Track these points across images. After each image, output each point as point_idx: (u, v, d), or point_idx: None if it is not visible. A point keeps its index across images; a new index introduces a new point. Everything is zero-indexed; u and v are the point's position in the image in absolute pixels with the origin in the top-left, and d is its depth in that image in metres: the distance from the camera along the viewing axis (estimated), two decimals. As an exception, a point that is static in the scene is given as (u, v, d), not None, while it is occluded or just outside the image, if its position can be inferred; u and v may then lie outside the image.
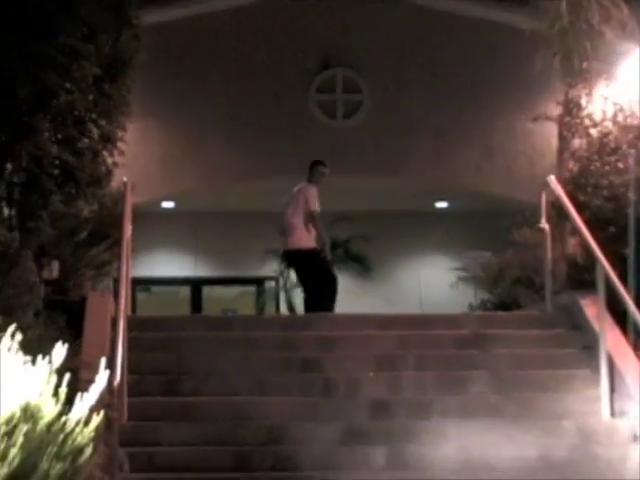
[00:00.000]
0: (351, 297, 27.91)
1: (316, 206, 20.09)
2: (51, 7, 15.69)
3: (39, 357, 8.99)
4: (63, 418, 8.80)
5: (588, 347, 16.08)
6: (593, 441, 14.43)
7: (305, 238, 19.86)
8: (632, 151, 18.93)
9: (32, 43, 15.62)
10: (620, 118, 19.97)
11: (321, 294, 19.53)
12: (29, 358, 8.95)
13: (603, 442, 14.42)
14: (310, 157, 24.68)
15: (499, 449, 13.99)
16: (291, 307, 30.06)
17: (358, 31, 24.97)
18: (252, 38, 24.92)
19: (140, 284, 23.29)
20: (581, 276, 17.88)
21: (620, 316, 15.84)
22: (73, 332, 13.97)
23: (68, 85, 16.29)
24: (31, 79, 15.76)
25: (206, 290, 30.55)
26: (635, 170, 18.62)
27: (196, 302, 30.35)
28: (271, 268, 30.10)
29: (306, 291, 20.60)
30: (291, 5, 24.96)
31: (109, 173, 17.48)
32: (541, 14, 19.95)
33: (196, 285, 30.39)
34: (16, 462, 7.88)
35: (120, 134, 17.61)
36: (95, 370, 9.78)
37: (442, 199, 28.08)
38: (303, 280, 20.91)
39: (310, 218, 19.74)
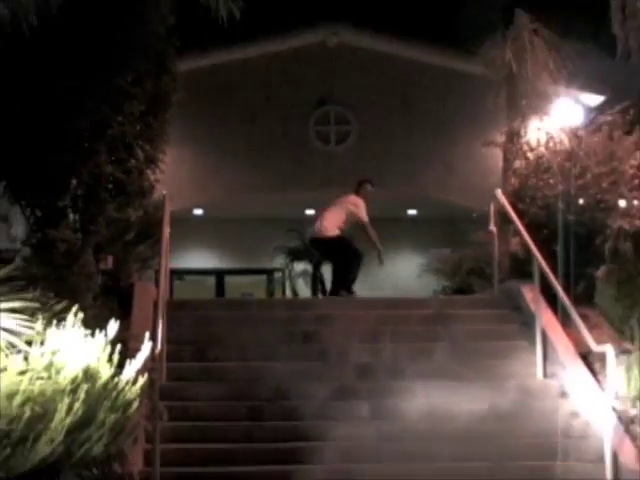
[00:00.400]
0: (342, 285, 28.33)
1: (366, 217, 19.81)
2: (108, 57, 15.78)
3: (97, 331, 9.19)
4: (116, 379, 9.06)
5: (526, 323, 16.26)
6: (530, 396, 14.54)
7: (333, 230, 19.67)
8: (559, 171, 19.19)
9: (92, 84, 15.73)
10: (551, 144, 20.15)
11: (348, 269, 19.11)
12: (89, 332, 9.12)
13: (538, 397, 14.59)
14: (310, 175, 24.95)
15: (457, 403, 13.93)
16: (294, 292, 29.91)
17: (346, 77, 24.89)
18: (264, 82, 24.83)
19: (176, 274, 23.27)
20: (521, 268, 17.86)
21: (551, 299, 15.90)
22: (123, 312, 13.95)
23: (120, 118, 16.42)
24: (91, 113, 15.94)
25: (227, 278, 30.20)
26: (562, 185, 18.89)
27: (220, 288, 29.95)
28: (278, 261, 30.09)
29: (335, 269, 20.14)
30: (296, 58, 25.09)
31: (152, 187, 17.56)
32: (490, 63, 20.18)
33: (220, 274, 29.99)
34: (79, 413, 8.01)
35: (161, 157, 17.75)
36: (141, 341, 10.12)
37: (412, 208, 27.84)
38: (333, 259, 20.36)
39: (363, 228, 19.44)
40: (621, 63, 14.49)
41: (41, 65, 15.20)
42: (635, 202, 18.65)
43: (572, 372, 14.76)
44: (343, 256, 18.35)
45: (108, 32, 15.59)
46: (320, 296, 28.04)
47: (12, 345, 7.82)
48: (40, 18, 13.26)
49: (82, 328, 9.01)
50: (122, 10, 15.68)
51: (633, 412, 13.33)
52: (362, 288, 25.77)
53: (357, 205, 19.82)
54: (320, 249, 20.03)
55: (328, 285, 28.86)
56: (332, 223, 19.49)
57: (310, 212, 28.34)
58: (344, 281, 19.09)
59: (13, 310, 7.86)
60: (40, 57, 15.19)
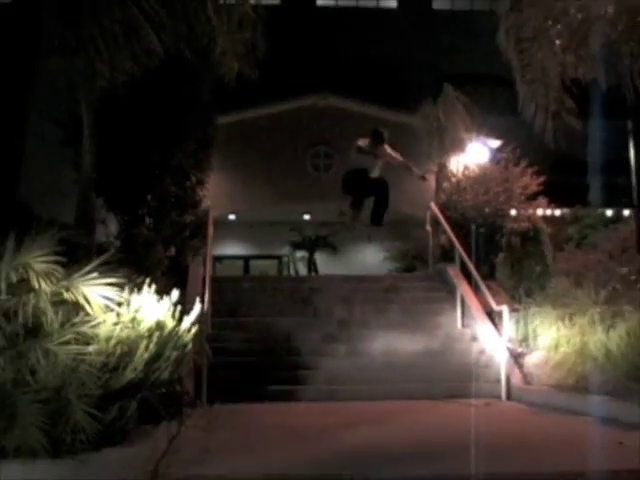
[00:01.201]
0: (327, 266, 28.33)
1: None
2: (176, 119, 16.07)
3: (164, 297, 9.16)
4: (177, 328, 9.03)
5: (450, 292, 16.22)
6: (453, 340, 14.63)
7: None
8: (472, 190, 19.21)
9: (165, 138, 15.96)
10: (466, 172, 20.17)
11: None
12: (159, 297, 9.07)
13: (458, 340, 14.65)
14: (307, 192, 24.93)
15: (404, 344, 14.03)
16: (296, 271, 29.93)
17: (331, 126, 24.72)
18: (275, 130, 24.75)
19: (217, 259, 23.23)
20: (447, 255, 17.79)
21: (467, 276, 15.91)
22: (182, 284, 13.78)
23: (180, 154, 16.50)
24: (161, 151, 16.06)
25: (251, 262, 30.10)
26: (473, 200, 18.93)
27: (246, 268, 29.88)
28: (286, 251, 30.19)
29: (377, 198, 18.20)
30: (297, 114, 25.09)
31: (200, 200, 17.46)
32: (425, 118, 20.19)
33: (246, 259, 29.86)
34: (153, 351, 8.03)
35: (207, 180, 17.66)
36: (194, 303, 10.17)
37: (376, 214, 27.78)
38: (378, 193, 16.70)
39: (402, 162, 16.68)
40: (511, 119, 14.46)
41: (131, 123, 15.39)
42: (522, 211, 18.68)
43: (480, 324, 14.75)
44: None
45: (177, 103, 15.84)
46: (313, 274, 28.12)
47: (108, 306, 7.85)
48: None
49: (154, 295, 8.99)
50: (185, 87, 15.89)
51: (519, 350, 13.42)
52: (341, 269, 25.80)
53: (393, 150, 16.63)
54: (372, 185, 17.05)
55: (319, 268, 29.05)
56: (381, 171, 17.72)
57: (307, 217, 28.39)
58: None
59: (109, 283, 7.89)
60: (130, 118, 15.39)
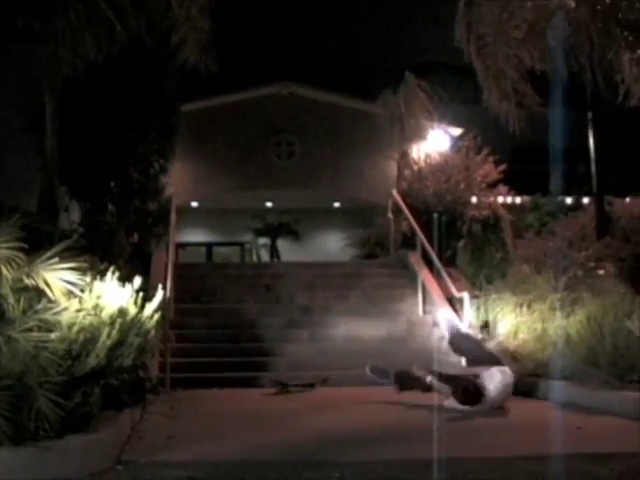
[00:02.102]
0: (289, 253, 28.38)
1: None
2: (139, 106, 15.91)
3: (127, 283, 9.09)
4: (140, 315, 8.97)
5: (412, 278, 16.28)
6: (414, 326, 14.77)
7: None
8: (433, 178, 19.29)
9: (126, 123, 15.84)
10: (428, 160, 20.24)
11: None
12: (122, 284, 9.00)
13: (419, 326, 14.79)
14: (269, 180, 24.98)
15: (366, 330, 14.19)
16: (258, 258, 30.04)
17: (293, 115, 24.78)
18: (239, 118, 24.75)
19: (180, 245, 23.18)
20: (408, 242, 17.96)
21: (428, 262, 16.06)
22: (145, 271, 13.73)
23: (143, 142, 16.42)
24: (123, 138, 15.96)
25: (214, 248, 30.10)
26: (435, 187, 19.00)
27: (209, 255, 29.89)
28: (249, 237, 30.17)
29: None
30: (260, 102, 25.06)
31: (164, 187, 17.42)
32: (386, 106, 20.18)
33: (209, 246, 29.87)
34: (116, 338, 7.97)
35: (170, 167, 17.54)
36: (157, 290, 10.12)
37: (337, 201, 27.74)
38: None
39: None
40: (473, 108, 14.52)
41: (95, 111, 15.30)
42: (482, 199, 18.79)
43: (441, 310, 14.82)
44: None
45: (140, 91, 15.71)
46: (275, 261, 28.17)
47: (71, 292, 7.80)
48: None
49: (117, 281, 8.95)
50: (148, 74, 15.76)
51: (480, 336, 13.48)
52: (304, 256, 25.83)
53: None
54: None
55: (282, 254, 29.10)
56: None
57: (269, 204, 28.41)
58: None
59: (72, 268, 7.83)
60: (93, 105, 15.31)
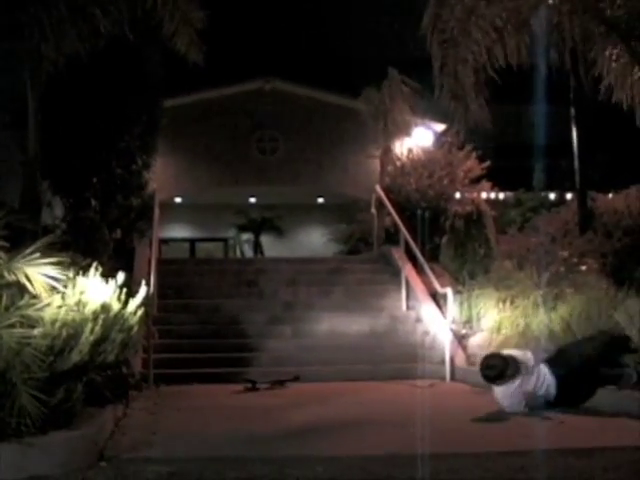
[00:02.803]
0: (273, 248, 28.36)
1: None
2: (121, 100, 15.87)
3: (110, 279, 9.05)
4: (123, 311, 8.95)
5: (395, 274, 16.27)
6: (397, 322, 14.74)
7: None
8: (416, 173, 19.32)
9: (109, 117, 15.79)
10: (410, 156, 20.30)
11: None
12: (104, 279, 8.95)
13: (402, 322, 14.77)
14: (252, 175, 25.02)
15: (349, 325, 14.17)
16: (242, 253, 30.04)
17: (276, 110, 24.81)
18: (222, 113, 24.75)
19: (163, 241, 23.13)
20: (392, 237, 17.98)
21: (412, 258, 16.01)
22: (128, 266, 13.71)
23: (126, 137, 16.45)
24: (106, 133, 15.92)
25: (197, 244, 30.11)
26: (417, 183, 19.04)
27: (193, 250, 29.91)
28: (232, 233, 30.19)
29: None
30: (243, 97, 25.05)
31: (147, 183, 17.43)
32: (369, 102, 20.17)
33: (192, 242, 29.92)
34: (99, 333, 7.89)
35: (153, 163, 17.59)
36: (140, 286, 10.10)
37: (320, 197, 27.79)
38: None
39: None
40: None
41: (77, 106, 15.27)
42: (465, 195, 18.83)
43: (424, 306, 14.86)
44: None
45: (122, 86, 15.68)
46: (259, 256, 28.17)
47: (53, 288, 7.77)
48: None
49: (100, 277, 8.92)
50: (132, 70, 15.71)
51: (463, 331, 13.58)
52: (287, 252, 25.83)
53: None
54: None
55: (265, 250, 29.11)
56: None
57: (253, 200, 28.41)
58: None
59: (54, 263, 7.80)
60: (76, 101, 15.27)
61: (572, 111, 16.54)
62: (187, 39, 13.33)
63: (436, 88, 14.41)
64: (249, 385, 11.78)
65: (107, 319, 8.41)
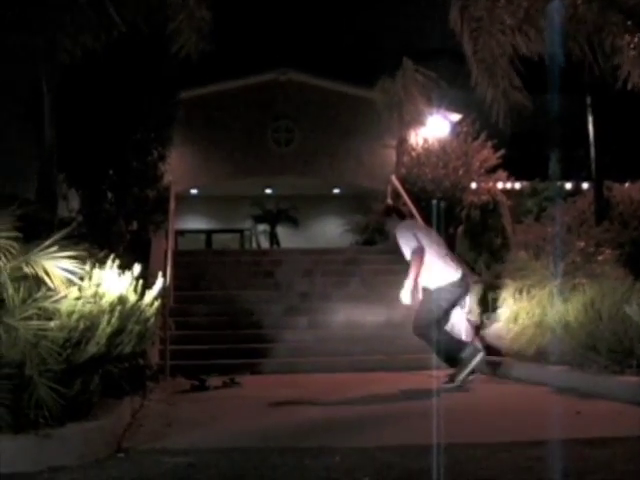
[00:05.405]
0: (289, 239, 28.44)
1: None
2: (138, 94, 15.94)
3: (126, 271, 9.10)
4: (139, 302, 9.00)
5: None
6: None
7: None
8: (431, 164, 19.31)
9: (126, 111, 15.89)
10: (426, 146, 20.28)
11: None
12: (121, 271, 9.00)
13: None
14: (268, 167, 25.01)
15: (365, 316, 14.29)
16: (258, 244, 30.14)
17: (292, 101, 24.84)
18: (238, 105, 24.81)
19: (179, 233, 23.22)
20: (407, 227, 18.03)
21: (427, 248, 16.04)
22: (144, 258, 13.66)
23: (142, 129, 16.49)
24: (122, 125, 15.97)
25: (214, 235, 30.22)
26: (433, 173, 19.01)
27: (209, 242, 30.03)
28: (248, 224, 30.28)
29: None
30: (259, 88, 25.06)
31: (162, 175, 17.43)
32: (384, 92, 20.12)
33: (208, 233, 30.02)
34: (115, 325, 7.94)
35: (168, 155, 17.61)
36: (156, 277, 10.15)
37: (336, 188, 27.91)
38: None
39: None
40: (472, 93, 14.42)
41: (93, 98, 15.32)
42: (481, 185, 18.81)
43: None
44: None
45: (138, 78, 15.73)
46: (275, 247, 28.26)
47: (70, 280, 7.79)
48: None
49: (117, 269, 8.96)
50: (147, 63, 15.75)
51: (480, 322, 13.55)
52: (303, 242, 25.91)
53: None
54: None
55: (281, 241, 29.21)
56: None
57: (268, 191, 28.48)
58: None
59: (71, 257, 7.82)
60: (91, 93, 15.32)
61: (588, 100, 16.47)
62: (194, 36, 13.31)
63: (471, 77, 14.31)
64: (196, 383, 11.12)
65: (124, 311, 8.43)
